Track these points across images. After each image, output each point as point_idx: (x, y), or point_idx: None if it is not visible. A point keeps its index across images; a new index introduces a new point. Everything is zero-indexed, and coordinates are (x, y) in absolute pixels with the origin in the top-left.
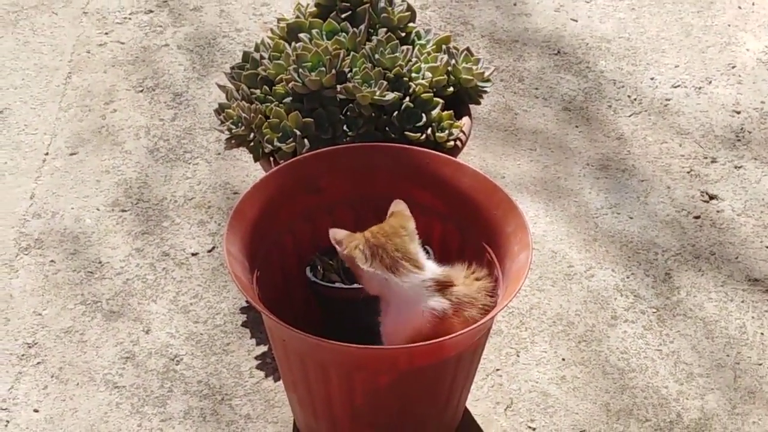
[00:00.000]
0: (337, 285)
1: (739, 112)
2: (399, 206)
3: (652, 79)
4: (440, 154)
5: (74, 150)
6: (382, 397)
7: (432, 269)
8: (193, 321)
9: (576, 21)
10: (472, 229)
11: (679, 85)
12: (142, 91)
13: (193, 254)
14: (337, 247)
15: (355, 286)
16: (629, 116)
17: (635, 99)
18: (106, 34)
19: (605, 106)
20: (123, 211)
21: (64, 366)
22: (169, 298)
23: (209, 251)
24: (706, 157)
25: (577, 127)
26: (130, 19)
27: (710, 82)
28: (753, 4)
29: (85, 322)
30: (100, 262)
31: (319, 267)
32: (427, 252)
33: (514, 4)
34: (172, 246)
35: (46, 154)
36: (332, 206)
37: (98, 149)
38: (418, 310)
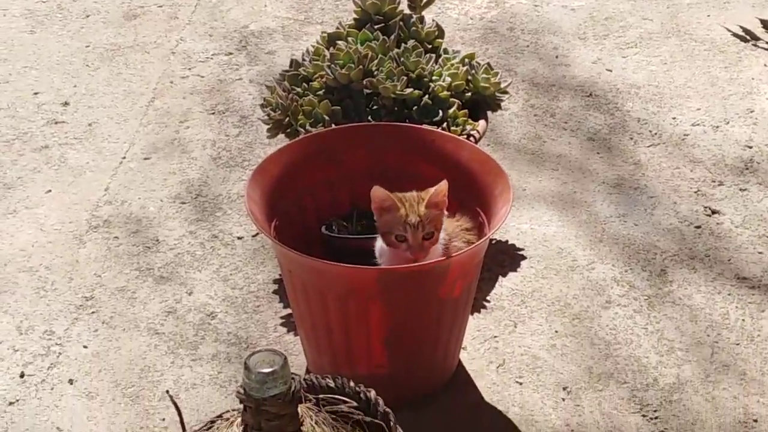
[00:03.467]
0: (347, 236)
1: (750, 147)
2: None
3: (674, 118)
4: (443, 132)
5: (148, 155)
6: (374, 328)
7: None
8: (231, 287)
9: (611, 71)
10: (469, 196)
11: (698, 124)
12: (213, 113)
13: (238, 238)
14: (377, 193)
15: (364, 236)
16: (648, 146)
17: (656, 133)
18: (189, 69)
19: (627, 138)
20: (183, 203)
21: (115, 315)
22: (213, 269)
23: (253, 236)
24: (714, 181)
25: (598, 153)
26: (211, 58)
27: (728, 123)
28: None
29: (138, 284)
30: (157, 240)
31: (334, 227)
32: None
33: (556, 57)
34: (221, 231)
35: (123, 158)
36: (351, 177)
37: (169, 156)
38: None
